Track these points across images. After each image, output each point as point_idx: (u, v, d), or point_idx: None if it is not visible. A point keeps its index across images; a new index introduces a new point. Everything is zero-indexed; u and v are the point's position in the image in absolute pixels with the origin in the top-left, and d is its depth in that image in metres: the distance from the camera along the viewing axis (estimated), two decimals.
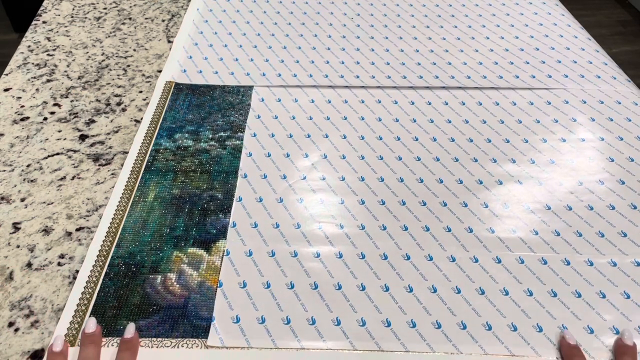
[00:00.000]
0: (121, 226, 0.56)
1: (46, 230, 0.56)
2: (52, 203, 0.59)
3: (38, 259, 0.54)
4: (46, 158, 0.64)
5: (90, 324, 0.47)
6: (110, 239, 0.55)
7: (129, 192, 0.60)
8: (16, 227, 0.57)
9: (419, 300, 0.51)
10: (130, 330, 0.47)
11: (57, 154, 0.65)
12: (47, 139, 0.66)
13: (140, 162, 0.63)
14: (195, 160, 0.64)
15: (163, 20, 0.87)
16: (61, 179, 0.62)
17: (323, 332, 0.48)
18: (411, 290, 0.52)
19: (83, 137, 0.67)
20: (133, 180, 0.61)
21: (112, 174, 0.62)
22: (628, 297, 0.51)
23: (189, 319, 0.49)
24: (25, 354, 0.47)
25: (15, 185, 0.61)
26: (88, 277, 0.52)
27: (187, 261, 0.53)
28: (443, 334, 0.48)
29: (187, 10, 0.90)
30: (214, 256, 0.54)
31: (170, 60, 0.78)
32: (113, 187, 0.60)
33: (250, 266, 0.53)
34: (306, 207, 0.59)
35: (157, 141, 0.66)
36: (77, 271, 0.52)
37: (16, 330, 0.48)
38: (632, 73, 0.85)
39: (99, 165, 0.63)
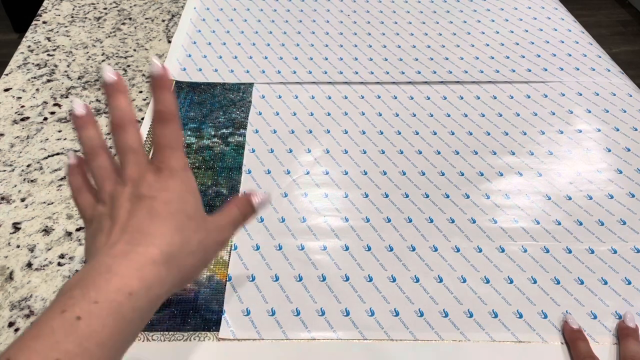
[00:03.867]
0: None
1: (46, 230, 0.56)
2: (52, 203, 0.59)
3: (38, 259, 0.54)
4: (46, 158, 0.64)
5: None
6: None
7: None
8: (16, 227, 0.57)
9: (426, 290, 0.52)
10: (157, 65, 0.38)
11: (57, 154, 0.65)
12: (47, 139, 0.67)
13: None
14: (199, 157, 0.64)
15: (163, 20, 0.87)
16: (61, 179, 0.62)
17: (333, 322, 0.49)
18: (417, 281, 0.52)
19: None
20: None
21: None
22: (629, 282, 0.52)
23: (199, 312, 0.49)
24: None
25: (15, 185, 0.61)
26: None
27: None
28: (450, 322, 0.49)
29: (184, 9, 0.90)
30: (221, 250, 0.54)
31: (170, 59, 0.79)
32: None
33: (258, 260, 0.54)
34: (311, 201, 0.60)
35: None
36: (77, 271, 0.52)
37: (16, 330, 0.48)
38: (632, 73, 0.86)
39: None
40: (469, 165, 0.64)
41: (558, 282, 0.52)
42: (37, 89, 0.74)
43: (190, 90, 0.74)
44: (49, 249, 0.55)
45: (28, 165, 0.63)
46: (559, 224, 0.58)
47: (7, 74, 0.76)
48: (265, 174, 0.62)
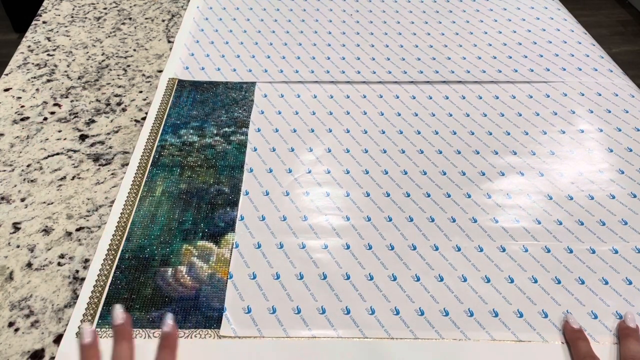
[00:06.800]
0: (130, 220, 0.57)
1: (46, 230, 0.57)
2: (52, 203, 0.59)
3: (38, 259, 0.54)
4: (46, 158, 0.64)
5: (118, 314, 0.47)
6: (120, 233, 0.55)
7: (136, 187, 0.60)
8: (16, 227, 0.57)
9: (426, 289, 0.52)
10: (169, 322, 0.47)
11: (57, 154, 0.65)
12: (47, 139, 0.67)
13: (146, 157, 0.63)
14: (201, 156, 0.64)
15: (163, 20, 0.88)
16: (61, 179, 0.62)
17: (333, 321, 0.49)
18: (418, 280, 0.52)
19: (83, 137, 0.67)
20: (140, 175, 0.61)
21: (112, 174, 0.62)
22: (630, 282, 0.52)
23: (200, 310, 0.49)
24: (25, 354, 0.47)
25: (15, 185, 0.61)
26: (99, 270, 0.52)
27: (197, 254, 0.54)
28: (451, 321, 0.49)
29: (187, 8, 0.90)
30: (223, 249, 0.54)
31: (172, 58, 0.79)
32: (113, 187, 0.61)
33: (259, 258, 0.54)
34: (312, 200, 0.60)
35: (162, 137, 0.66)
36: (77, 271, 0.53)
37: (16, 330, 0.48)
38: (632, 73, 0.86)
39: (99, 165, 0.63)
40: (470, 164, 0.64)
41: (559, 282, 0.52)
42: (37, 89, 0.74)
43: (192, 89, 0.74)
44: (49, 249, 0.55)
45: (28, 165, 0.63)
46: (560, 223, 0.58)
47: (7, 74, 0.76)
48: (267, 173, 0.63)
